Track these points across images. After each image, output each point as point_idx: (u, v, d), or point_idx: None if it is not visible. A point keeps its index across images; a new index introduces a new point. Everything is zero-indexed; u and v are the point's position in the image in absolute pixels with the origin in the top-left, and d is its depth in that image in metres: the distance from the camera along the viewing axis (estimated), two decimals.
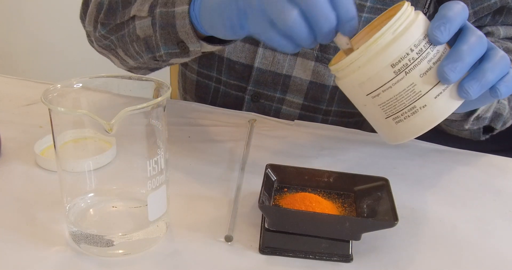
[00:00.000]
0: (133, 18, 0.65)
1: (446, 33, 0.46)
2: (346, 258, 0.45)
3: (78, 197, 0.46)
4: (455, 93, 0.47)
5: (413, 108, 0.47)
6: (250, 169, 0.60)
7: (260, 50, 0.77)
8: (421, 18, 0.47)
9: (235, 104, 0.82)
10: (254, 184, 0.55)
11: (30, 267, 0.42)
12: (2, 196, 0.51)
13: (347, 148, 0.67)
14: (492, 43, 0.50)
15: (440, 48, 0.47)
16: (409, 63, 0.45)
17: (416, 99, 0.46)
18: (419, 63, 0.45)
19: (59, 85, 0.42)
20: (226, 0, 0.49)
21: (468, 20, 0.73)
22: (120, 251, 0.44)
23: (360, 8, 0.72)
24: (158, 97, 0.41)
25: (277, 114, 0.81)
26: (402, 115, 0.47)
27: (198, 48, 0.58)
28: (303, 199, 0.47)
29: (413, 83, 0.46)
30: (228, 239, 0.46)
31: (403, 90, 0.46)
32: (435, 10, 0.74)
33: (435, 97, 0.46)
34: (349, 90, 0.50)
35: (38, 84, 0.81)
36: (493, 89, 0.48)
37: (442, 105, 0.47)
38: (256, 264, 0.44)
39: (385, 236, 0.49)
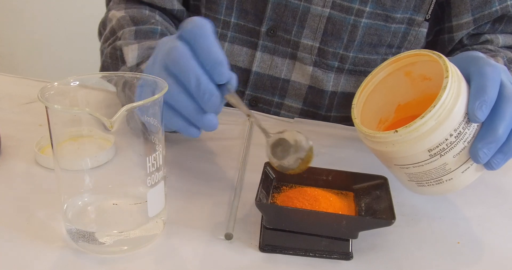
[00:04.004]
0: None
1: (487, 111, 0.45)
2: (346, 256, 0.45)
3: (76, 195, 0.46)
4: (481, 166, 0.48)
5: (439, 180, 0.47)
6: (250, 167, 0.59)
7: (258, 54, 0.76)
8: (463, 91, 0.45)
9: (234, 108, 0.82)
10: (254, 182, 0.55)
11: (29, 265, 0.42)
12: (1, 194, 0.51)
13: (346, 146, 0.67)
14: None
15: (476, 123, 0.46)
16: (446, 148, 0.45)
17: (445, 174, 0.47)
18: (455, 146, 0.45)
19: (55, 83, 0.42)
20: None
21: (468, 27, 0.73)
22: (118, 249, 0.44)
23: (359, 13, 0.70)
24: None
25: None
26: (426, 183, 0.48)
27: None
28: (301, 195, 0.47)
29: (445, 163, 0.46)
30: (228, 237, 0.46)
31: (434, 168, 0.47)
32: (435, 13, 0.74)
33: (462, 172, 0.47)
34: (375, 153, 0.51)
35: (38, 83, 0.81)
36: None
37: (467, 177, 0.48)
38: (256, 262, 0.44)
39: (385, 234, 0.49)
